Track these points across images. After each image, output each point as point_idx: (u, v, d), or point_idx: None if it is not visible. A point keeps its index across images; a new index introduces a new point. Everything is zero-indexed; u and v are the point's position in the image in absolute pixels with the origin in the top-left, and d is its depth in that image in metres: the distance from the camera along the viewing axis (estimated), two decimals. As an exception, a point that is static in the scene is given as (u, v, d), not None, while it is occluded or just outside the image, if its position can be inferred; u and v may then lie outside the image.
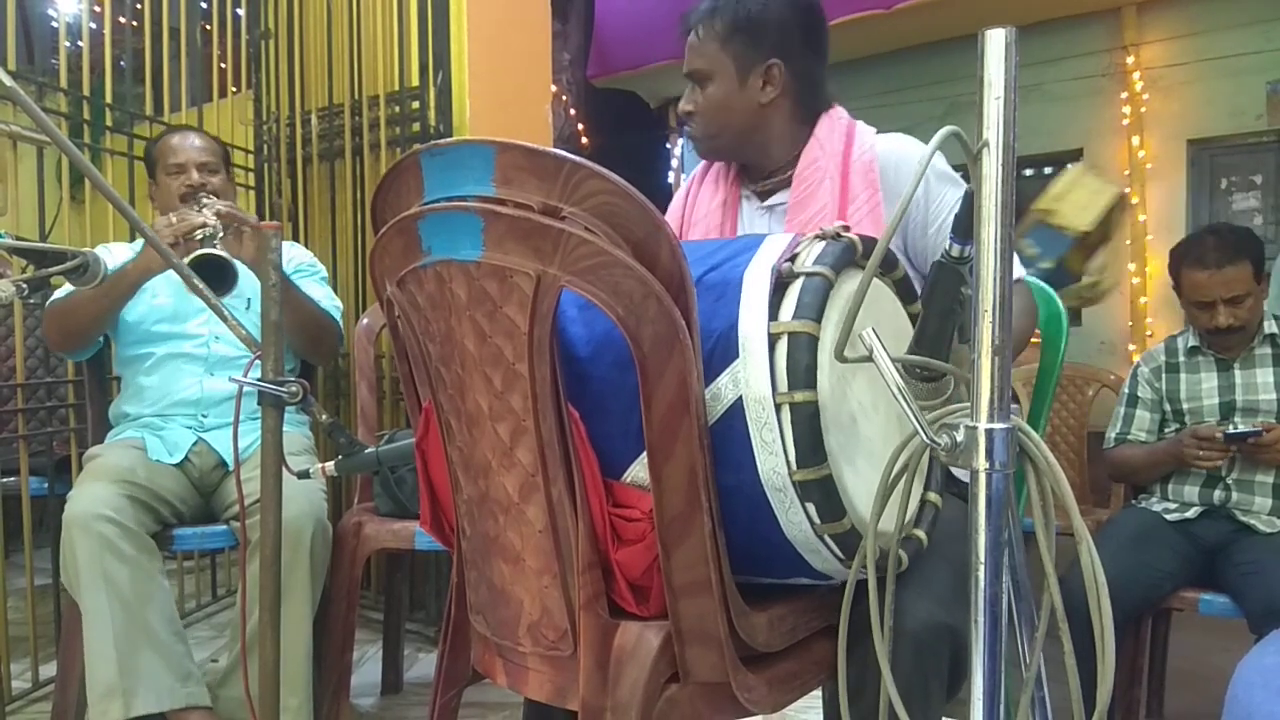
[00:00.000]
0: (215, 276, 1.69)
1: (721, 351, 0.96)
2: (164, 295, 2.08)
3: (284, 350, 2.08)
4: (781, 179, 1.50)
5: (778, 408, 0.93)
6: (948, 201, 1.41)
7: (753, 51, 1.43)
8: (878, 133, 1.49)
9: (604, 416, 0.97)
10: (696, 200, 1.59)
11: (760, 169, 1.53)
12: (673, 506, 0.93)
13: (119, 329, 2.09)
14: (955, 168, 1.42)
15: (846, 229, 1.04)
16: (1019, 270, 1.45)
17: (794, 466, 0.93)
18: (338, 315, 2.19)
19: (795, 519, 0.96)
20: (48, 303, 2.03)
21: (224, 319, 1.22)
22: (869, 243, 1.05)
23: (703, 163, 1.63)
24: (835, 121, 1.49)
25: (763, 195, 1.53)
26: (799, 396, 0.92)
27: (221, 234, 1.84)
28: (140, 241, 2.17)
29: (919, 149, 1.45)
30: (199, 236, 1.82)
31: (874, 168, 1.42)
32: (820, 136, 1.47)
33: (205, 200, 1.98)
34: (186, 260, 1.67)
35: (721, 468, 0.95)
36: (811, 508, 0.95)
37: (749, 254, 1.02)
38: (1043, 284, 1.61)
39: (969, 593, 0.75)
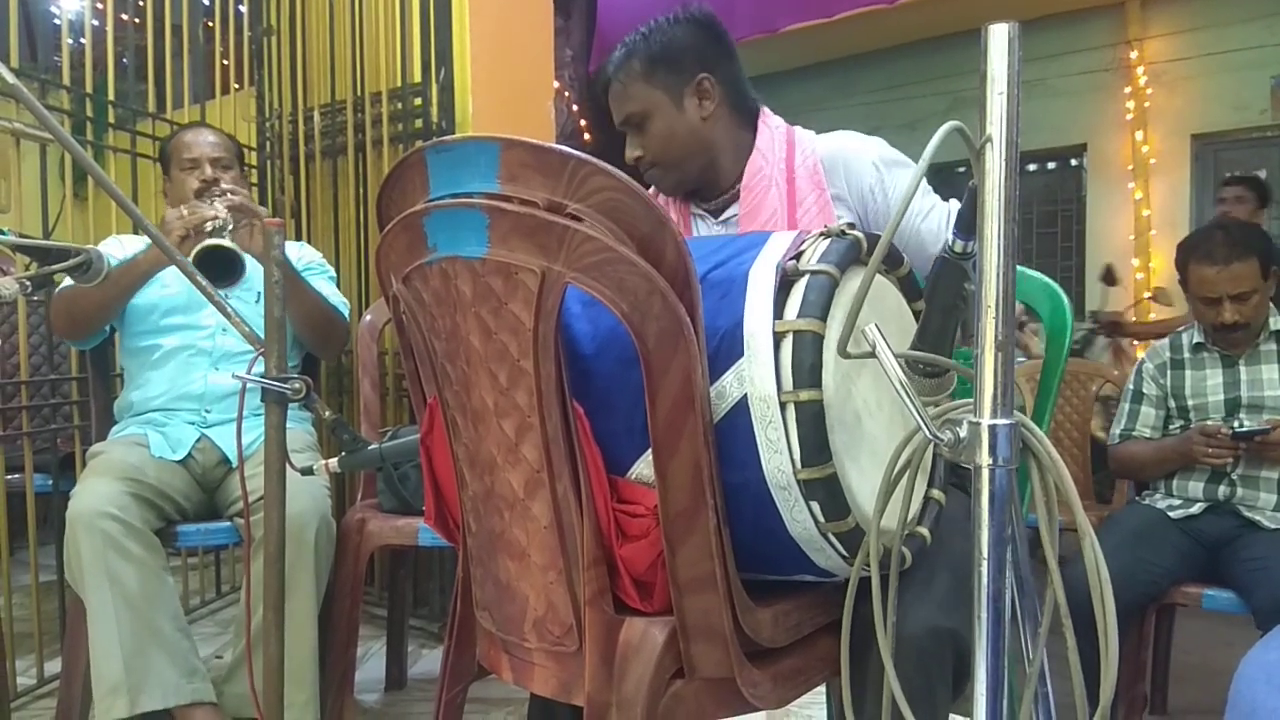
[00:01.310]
0: (222, 268, 1.69)
1: (726, 349, 0.96)
2: (174, 286, 2.08)
3: (289, 345, 2.11)
4: (731, 194, 1.52)
5: (783, 406, 0.93)
6: (902, 185, 1.43)
7: (678, 75, 1.47)
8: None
9: (609, 413, 0.97)
10: None
11: (714, 188, 1.54)
12: (677, 502, 0.93)
13: (126, 318, 2.10)
14: (958, 163, 1.42)
15: (851, 226, 1.05)
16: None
17: (799, 465, 0.93)
18: (345, 311, 2.20)
19: (800, 517, 0.96)
20: (56, 289, 2.03)
21: (227, 316, 1.22)
22: (874, 240, 1.05)
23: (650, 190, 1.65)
24: (774, 131, 1.51)
25: (715, 212, 1.56)
26: (804, 395, 0.92)
27: (231, 226, 1.84)
28: None
29: (863, 143, 1.47)
30: (209, 229, 1.82)
31: (819, 169, 1.45)
32: (762, 147, 1.49)
33: (218, 193, 1.99)
34: (193, 253, 1.67)
35: (726, 465, 0.95)
36: (816, 506, 0.95)
37: (754, 251, 1.02)
38: (1046, 278, 1.61)
39: (970, 594, 0.75)
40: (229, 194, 1.95)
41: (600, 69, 1.53)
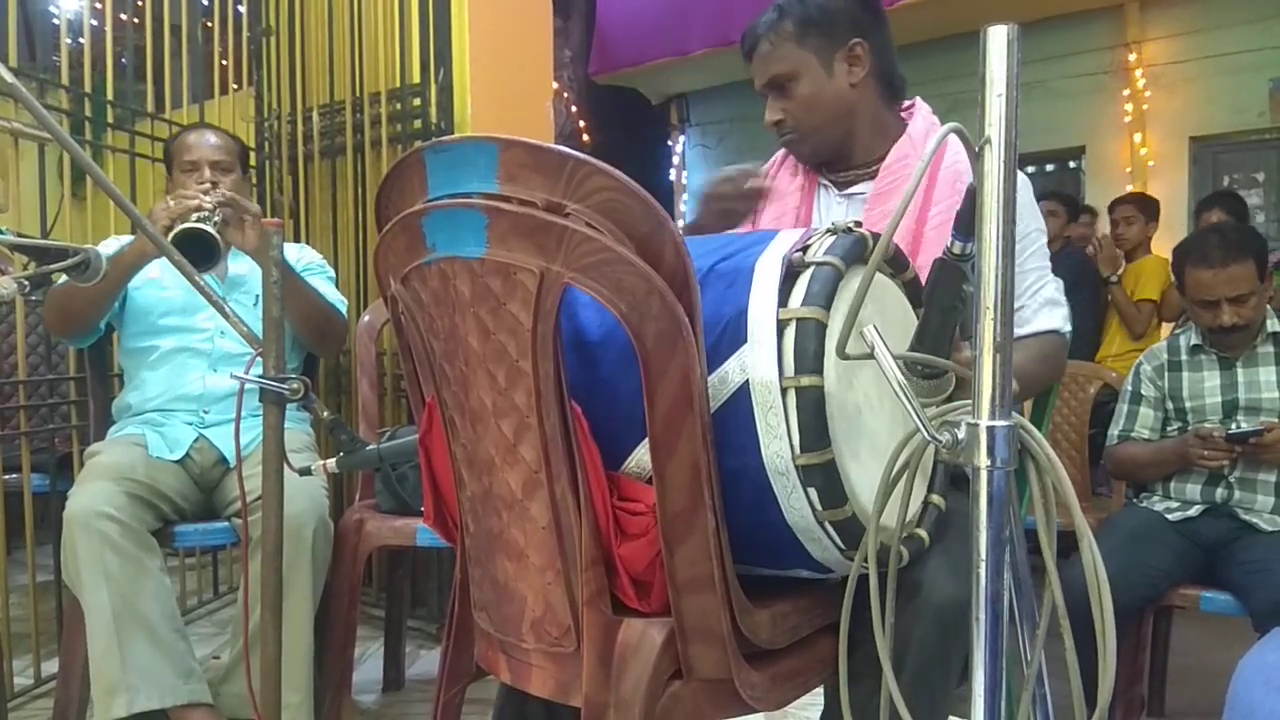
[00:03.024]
0: (199, 253, 1.69)
1: (730, 336, 0.96)
2: (173, 288, 2.08)
3: (288, 346, 2.11)
4: (864, 170, 1.50)
5: (783, 391, 0.93)
6: (1030, 241, 1.42)
7: (831, 39, 1.44)
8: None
9: (613, 400, 0.98)
10: (776, 180, 1.58)
11: (847, 160, 1.51)
12: (676, 503, 0.93)
13: (125, 319, 2.09)
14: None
15: (858, 224, 1.05)
16: (1058, 321, 1.44)
17: (797, 450, 0.94)
18: (343, 309, 2.20)
19: (797, 504, 0.96)
20: (51, 287, 2.02)
21: (225, 316, 1.22)
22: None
23: (780, 153, 1.62)
24: (931, 124, 1.49)
25: (841, 185, 1.53)
26: (805, 381, 0.93)
27: (219, 218, 1.83)
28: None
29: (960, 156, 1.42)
30: (194, 219, 1.82)
31: (963, 179, 1.39)
32: (914, 135, 1.46)
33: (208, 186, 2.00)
34: (169, 238, 1.67)
35: (726, 451, 0.95)
36: (813, 492, 0.95)
37: (762, 245, 1.03)
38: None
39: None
40: (219, 191, 1.95)
41: (748, 29, 1.49)
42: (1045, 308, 1.43)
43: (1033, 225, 1.44)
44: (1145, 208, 3.93)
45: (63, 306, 1.98)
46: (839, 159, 1.52)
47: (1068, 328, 1.45)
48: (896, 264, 1.16)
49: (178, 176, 2.15)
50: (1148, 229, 3.90)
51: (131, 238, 2.19)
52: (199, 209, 1.82)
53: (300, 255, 2.26)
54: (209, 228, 1.75)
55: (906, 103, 1.55)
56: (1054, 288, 1.45)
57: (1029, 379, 1.36)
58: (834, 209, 1.52)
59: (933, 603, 1.05)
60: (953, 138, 1.47)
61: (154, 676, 1.72)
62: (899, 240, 1.28)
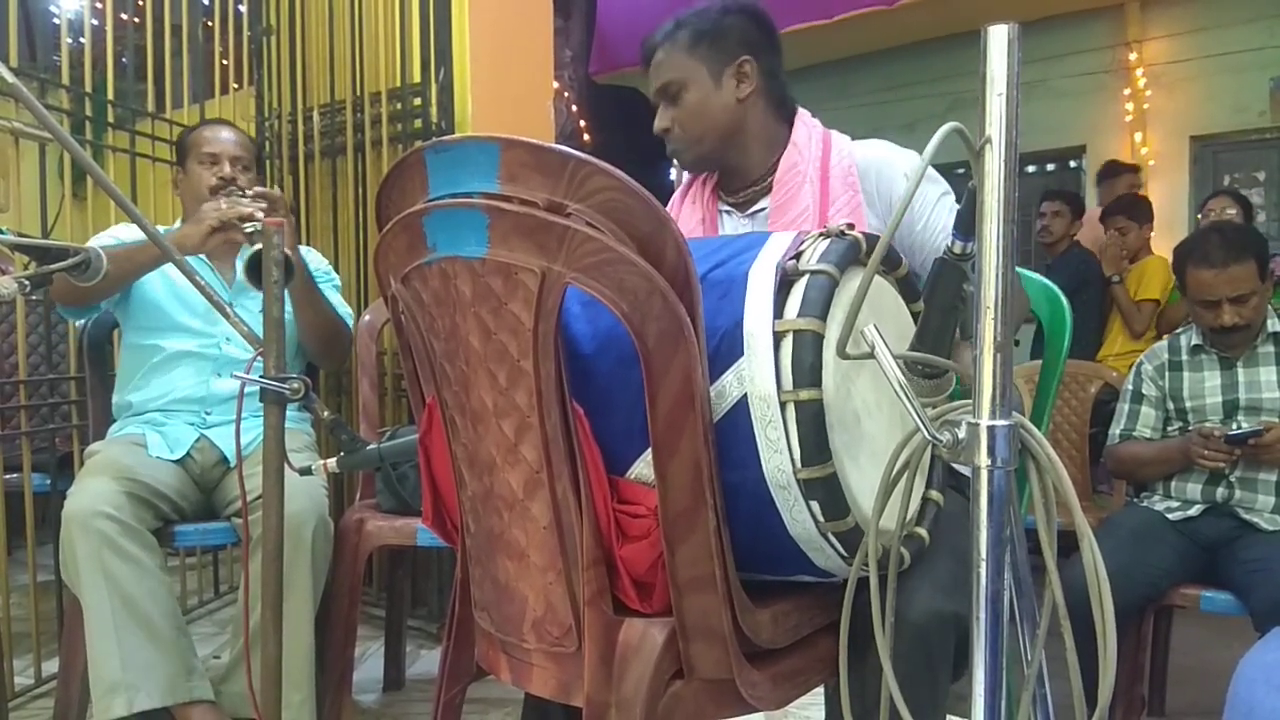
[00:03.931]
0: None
1: (726, 349, 0.96)
2: (190, 289, 2.07)
3: (293, 348, 2.10)
4: (760, 187, 1.53)
5: (783, 405, 0.93)
6: (929, 198, 1.45)
7: (721, 52, 1.49)
8: (853, 139, 1.52)
9: (608, 412, 0.97)
10: (678, 220, 1.61)
11: (741, 176, 1.55)
12: (677, 503, 0.93)
13: (131, 311, 2.08)
14: (957, 165, 1.43)
15: (851, 227, 1.05)
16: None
17: (798, 464, 0.93)
18: (350, 322, 2.20)
19: (799, 517, 0.96)
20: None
21: (225, 316, 1.22)
22: (873, 241, 1.05)
23: (680, 187, 1.67)
24: (811, 129, 1.53)
25: (743, 206, 1.56)
26: (804, 394, 0.92)
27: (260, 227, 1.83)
28: (169, 228, 2.16)
29: (898, 154, 1.49)
30: (248, 229, 1.81)
31: (853, 172, 1.46)
32: (799, 142, 1.51)
33: (237, 192, 1.99)
34: (247, 255, 1.67)
35: (726, 465, 0.95)
36: (816, 506, 0.95)
37: (753, 251, 1.02)
38: (1045, 280, 1.61)
39: (971, 580, 0.75)
40: (260, 191, 1.94)
41: (647, 38, 1.54)
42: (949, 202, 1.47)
43: (938, 189, 1.47)
44: (1136, 213, 3.90)
45: (73, 284, 1.96)
46: (731, 176, 1.56)
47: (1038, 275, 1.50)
48: (889, 261, 1.15)
49: (193, 169, 2.13)
50: (1143, 232, 3.89)
51: (131, 227, 2.18)
52: (251, 218, 1.81)
53: (306, 260, 2.25)
54: (288, 251, 1.74)
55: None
56: (942, 185, 1.49)
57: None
58: (740, 232, 1.55)
59: (909, 620, 1.05)
60: (835, 133, 1.52)
61: (154, 675, 1.72)
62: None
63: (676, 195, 1.68)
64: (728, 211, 1.58)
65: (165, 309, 2.07)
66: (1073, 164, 5.85)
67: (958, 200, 1.44)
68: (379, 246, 1.05)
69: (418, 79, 2.73)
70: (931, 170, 1.48)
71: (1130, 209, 3.92)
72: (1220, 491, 2.05)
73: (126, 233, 2.10)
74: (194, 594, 3.05)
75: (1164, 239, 4.04)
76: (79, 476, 1.89)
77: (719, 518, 0.94)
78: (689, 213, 1.61)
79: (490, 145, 0.94)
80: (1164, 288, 3.66)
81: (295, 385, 1.16)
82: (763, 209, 1.52)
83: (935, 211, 1.44)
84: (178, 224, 2.19)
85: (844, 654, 0.96)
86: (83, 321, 2.19)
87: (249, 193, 1.94)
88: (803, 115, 1.56)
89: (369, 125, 2.78)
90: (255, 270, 1.62)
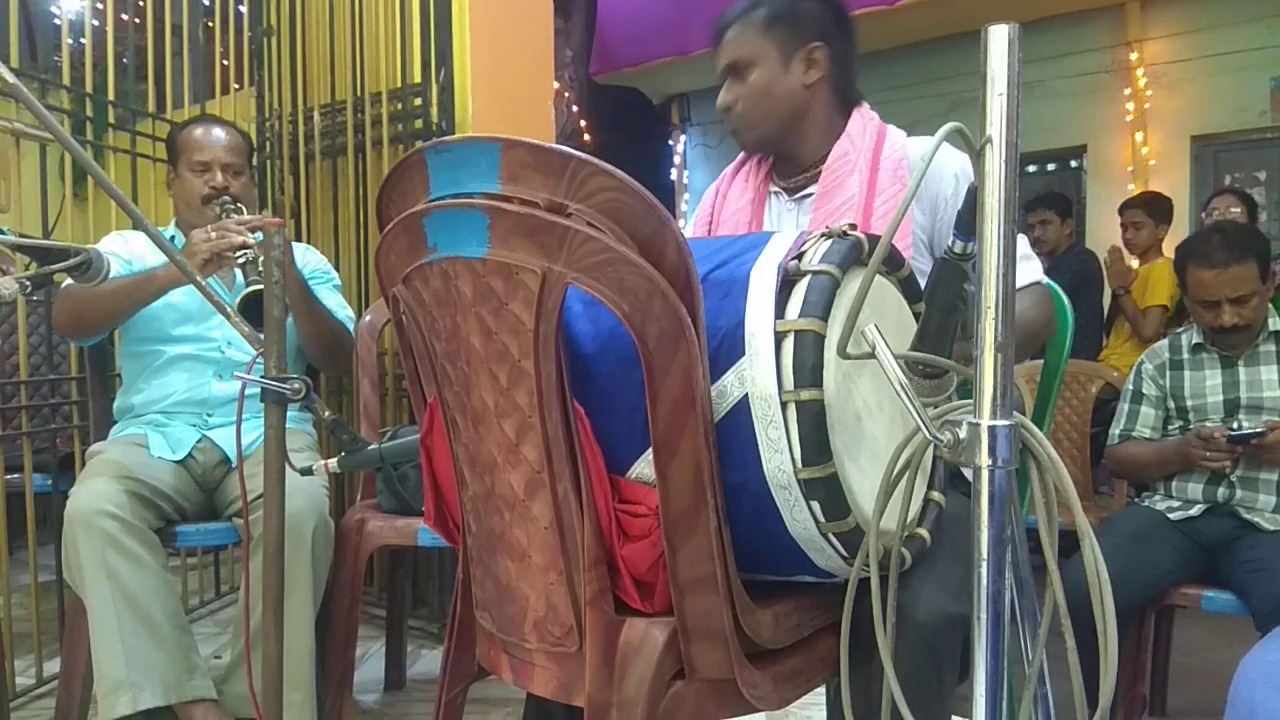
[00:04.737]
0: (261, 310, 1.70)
1: (727, 349, 0.96)
2: (184, 296, 2.06)
3: (290, 360, 2.10)
4: (812, 174, 1.52)
5: (783, 406, 0.93)
6: (960, 192, 1.43)
7: (795, 36, 1.48)
8: (909, 135, 1.52)
9: (609, 413, 0.97)
10: (726, 198, 1.62)
11: (796, 162, 1.54)
12: (678, 503, 0.93)
13: (128, 324, 2.08)
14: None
15: (854, 227, 1.05)
16: (1037, 273, 1.48)
17: (799, 465, 0.93)
18: (351, 326, 2.19)
19: (800, 517, 0.96)
20: (63, 286, 1.98)
21: (227, 316, 1.22)
22: (875, 241, 1.05)
23: (734, 163, 1.66)
24: (867, 120, 1.52)
25: (792, 190, 1.55)
26: (805, 395, 0.92)
27: (256, 255, 1.80)
28: (164, 231, 2.16)
29: (949, 153, 1.47)
30: (241, 259, 1.80)
31: (904, 165, 1.45)
32: (852, 132, 1.50)
33: (231, 209, 1.99)
34: (244, 293, 1.67)
35: (726, 465, 0.95)
36: (816, 506, 0.95)
37: (755, 251, 1.02)
38: (1046, 280, 1.61)
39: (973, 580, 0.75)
40: (248, 218, 1.93)
41: (723, 13, 1.54)
42: (1021, 263, 1.45)
43: (968, 183, 1.45)
44: (1154, 210, 3.85)
45: (78, 312, 1.95)
46: (786, 160, 1.56)
47: (1046, 279, 1.50)
48: (891, 262, 1.15)
49: (184, 173, 2.12)
50: (1158, 231, 3.84)
51: (136, 232, 2.19)
52: (245, 246, 1.81)
53: (305, 259, 2.25)
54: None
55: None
56: (1023, 243, 1.49)
57: (1029, 326, 1.43)
58: (785, 217, 1.55)
59: (915, 621, 1.05)
60: (891, 127, 1.51)
61: (157, 673, 1.73)
62: None
63: (728, 170, 1.66)
64: (777, 194, 1.57)
65: (165, 317, 2.05)
66: (1073, 164, 5.85)
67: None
68: (380, 247, 1.05)
69: (418, 79, 2.73)
70: (967, 164, 1.48)
71: (1149, 205, 3.87)
72: (1221, 491, 2.05)
73: (120, 245, 2.09)
74: (195, 594, 3.05)
75: (1165, 239, 4.03)
76: (81, 476, 1.89)
77: (720, 518, 0.94)
78: (738, 190, 1.60)
79: (491, 146, 0.94)
80: (1172, 294, 3.61)
81: (296, 385, 1.16)
82: (811, 194, 1.51)
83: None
84: (172, 227, 2.18)
85: (844, 655, 0.96)
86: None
87: (239, 222, 1.90)
88: (863, 107, 1.55)
89: (369, 125, 2.79)
90: (250, 309, 1.61)
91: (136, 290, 1.89)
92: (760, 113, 1.50)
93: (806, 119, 1.51)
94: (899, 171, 1.44)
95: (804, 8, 1.49)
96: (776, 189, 1.58)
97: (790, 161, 1.55)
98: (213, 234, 1.83)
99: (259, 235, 1.84)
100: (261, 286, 1.70)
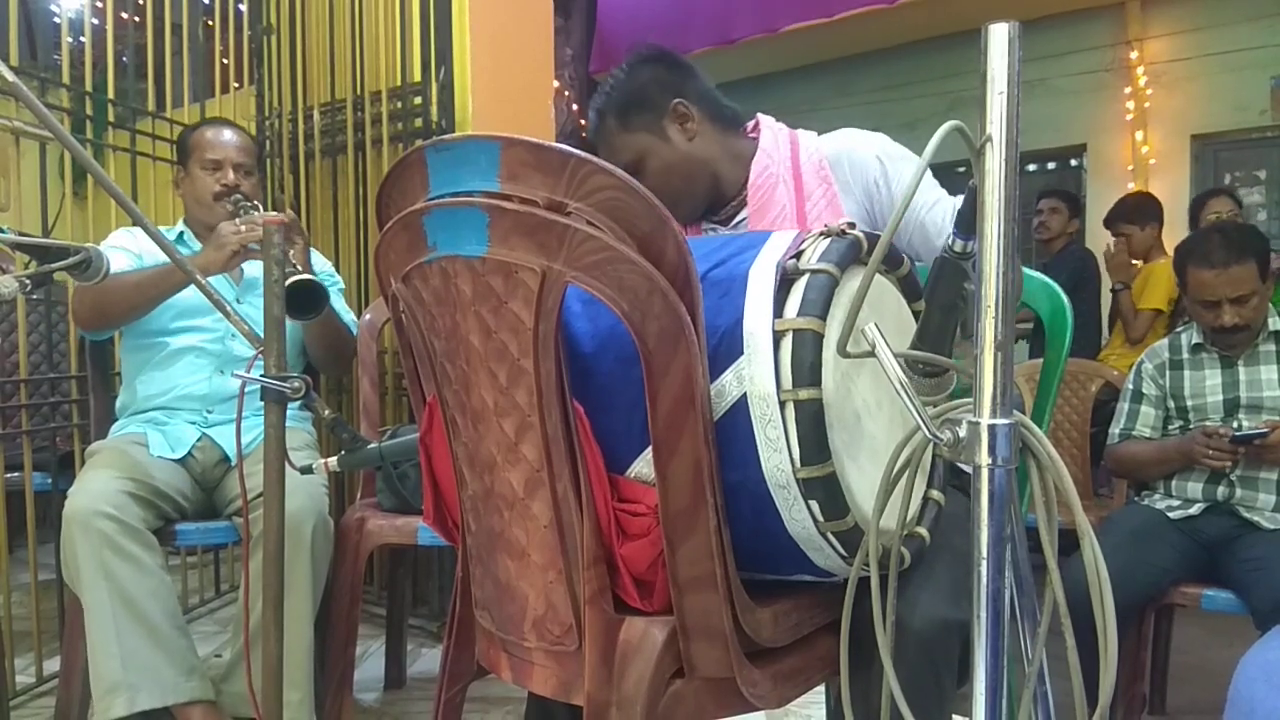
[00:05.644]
0: (307, 300, 1.70)
1: (726, 348, 0.96)
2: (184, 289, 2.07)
3: (291, 359, 2.10)
4: (739, 201, 1.54)
5: (782, 405, 0.93)
6: (905, 177, 1.45)
7: (652, 111, 1.50)
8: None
9: (608, 412, 0.97)
10: None
11: (723, 199, 1.56)
12: (678, 502, 0.93)
13: None
14: (957, 163, 1.44)
15: (852, 225, 1.04)
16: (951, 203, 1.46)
17: (798, 464, 0.93)
18: (354, 329, 2.20)
19: (799, 516, 0.96)
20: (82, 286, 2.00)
21: (227, 315, 1.22)
22: (874, 240, 1.05)
23: None
24: (777, 131, 1.54)
25: (725, 222, 1.57)
26: (803, 394, 0.92)
27: (292, 250, 1.84)
28: (171, 230, 2.16)
29: (863, 137, 1.49)
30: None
31: (825, 166, 1.47)
32: (766, 147, 1.51)
33: (247, 205, 2.01)
34: (290, 282, 1.68)
35: (725, 464, 0.95)
36: (815, 505, 0.95)
37: (754, 250, 1.02)
38: (1046, 278, 1.61)
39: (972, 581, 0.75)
40: (269, 214, 1.94)
41: (588, 135, 1.56)
42: (935, 206, 1.46)
43: (910, 165, 1.47)
44: (1141, 215, 3.84)
45: (100, 304, 1.95)
46: (716, 202, 1.57)
47: (1045, 278, 1.51)
48: (889, 260, 1.15)
49: (195, 171, 2.14)
50: (1148, 234, 3.85)
51: (135, 229, 2.19)
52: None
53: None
54: (311, 276, 1.75)
55: (750, 124, 1.59)
56: (932, 185, 1.49)
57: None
58: None
59: (913, 628, 1.05)
60: (801, 131, 1.52)
61: (155, 675, 1.72)
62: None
63: None
64: (712, 229, 1.59)
65: (167, 309, 2.04)
66: (1073, 162, 5.85)
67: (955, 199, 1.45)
68: (379, 245, 1.05)
69: (418, 78, 2.73)
70: (904, 150, 1.50)
71: (1132, 213, 3.88)
72: (1221, 490, 2.05)
73: (129, 240, 2.10)
74: (195, 593, 3.05)
75: (1165, 238, 4.03)
76: (80, 475, 1.89)
77: (719, 517, 0.94)
78: None
79: (491, 144, 0.94)
80: (1169, 297, 3.61)
81: (296, 384, 1.16)
82: (744, 219, 1.53)
83: (920, 187, 1.44)
84: (180, 225, 2.19)
85: (844, 655, 0.95)
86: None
87: (260, 218, 1.92)
88: (765, 120, 1.56)
89: (369, 124, 2.78)
90: (296, 300, 1.63)
91: (162, 281, 1.91)
92: (677, 188, 1.51)
93: (716, 163, 1.53)
94: (822, 173, 1.46)
95: (640, 83, 1.51)
96: (709, 226, 1.59)
97: (718, 202, 1.57)
98: (242, 227, 1.87)
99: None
100: (307, 276, 1.72)
